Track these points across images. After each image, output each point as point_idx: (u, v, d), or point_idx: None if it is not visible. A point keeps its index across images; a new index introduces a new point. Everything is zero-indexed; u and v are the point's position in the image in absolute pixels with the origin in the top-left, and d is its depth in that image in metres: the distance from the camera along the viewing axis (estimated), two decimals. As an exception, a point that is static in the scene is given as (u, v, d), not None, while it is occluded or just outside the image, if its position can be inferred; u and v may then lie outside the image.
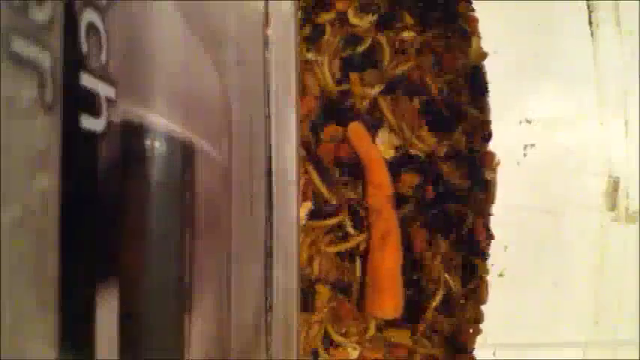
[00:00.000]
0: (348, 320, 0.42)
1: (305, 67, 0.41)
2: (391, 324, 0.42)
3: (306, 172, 0.41)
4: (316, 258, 0.41)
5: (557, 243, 0.43)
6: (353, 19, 0.42)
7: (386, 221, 0.41)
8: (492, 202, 0.43)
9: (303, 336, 0.40)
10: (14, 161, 0.14)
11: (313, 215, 0.41)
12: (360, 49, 0.42)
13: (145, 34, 0.21)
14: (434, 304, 0.43)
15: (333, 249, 0.42)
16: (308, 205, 0.41)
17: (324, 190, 0.41)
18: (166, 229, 0.22)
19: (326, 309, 0.41)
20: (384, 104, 0.42)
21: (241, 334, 0.27)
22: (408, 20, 0.43)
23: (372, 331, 0.42)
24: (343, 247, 0.42)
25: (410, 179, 0.42)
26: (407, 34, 0.43)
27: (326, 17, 0.42)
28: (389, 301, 0.41)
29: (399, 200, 0.42)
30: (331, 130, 0.41)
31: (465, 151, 0.43)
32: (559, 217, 0.43)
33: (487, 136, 0.43)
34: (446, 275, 0.42)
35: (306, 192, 0.41)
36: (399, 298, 0.41)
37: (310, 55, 0.41)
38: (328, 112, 0.42)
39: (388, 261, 0.41)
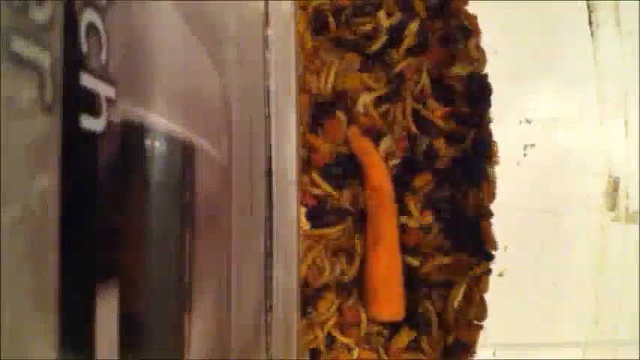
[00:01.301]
0: (350, 322, 0.41)
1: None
2: (390, 324, 0.42)
3: (311, 177, 0.41)
4: (322, 265, 0.41)
5: (557, 243, 0.43)
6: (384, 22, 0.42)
7: (383, 224, 0.41)
8: (493, 198, 0.43)
9: (303, 336, 0.40)
10: (14, 161, 0.14)
11: (315, 222, 0.41)
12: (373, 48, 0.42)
13: (145, 34, 0.21)
14: (434, 304, 0.42)
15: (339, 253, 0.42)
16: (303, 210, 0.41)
17: (329, 189, 0.41)
18: (166, 229, 0.22)
19: (332, 318, 0.41)
20: (374, 112, 0.42)
21: (241, 334, 0.27)
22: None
23: (366, 330, 0.42)
24: (348, 252, 0.42)
25: (418, 182, 0.42)
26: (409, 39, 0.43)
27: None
28: (386, 305, 0.41)
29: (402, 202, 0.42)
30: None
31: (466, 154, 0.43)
32: (559, 217, 0.43)
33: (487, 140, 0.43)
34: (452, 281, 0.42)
35: (305, 195, 0.41)
36: (398, 301, 0.41)
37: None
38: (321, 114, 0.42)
39: (384, 264, 0.41)
